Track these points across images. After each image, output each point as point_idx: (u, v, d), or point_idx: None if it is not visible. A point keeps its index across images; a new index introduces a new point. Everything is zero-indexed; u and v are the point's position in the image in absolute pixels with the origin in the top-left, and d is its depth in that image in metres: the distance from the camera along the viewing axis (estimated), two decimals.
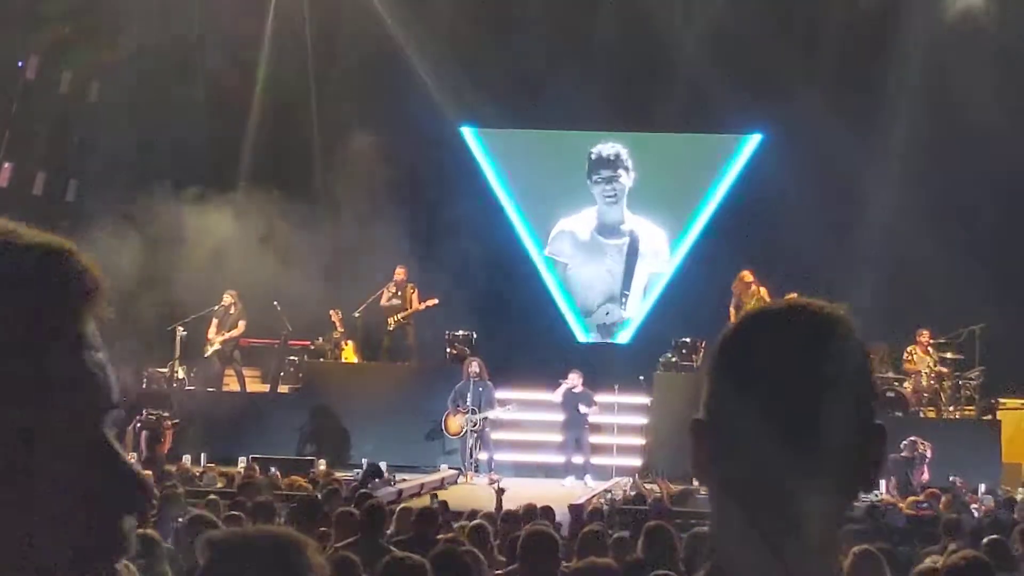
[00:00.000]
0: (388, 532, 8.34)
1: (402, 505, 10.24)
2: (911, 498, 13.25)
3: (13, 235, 1.09)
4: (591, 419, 17.12)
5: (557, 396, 16.94)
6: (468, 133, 21.24)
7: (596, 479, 16.48)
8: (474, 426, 16.58)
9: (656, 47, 19.47)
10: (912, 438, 15.14)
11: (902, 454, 14.99)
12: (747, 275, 17.40)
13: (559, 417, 17.08)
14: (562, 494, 14.06)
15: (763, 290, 17.25)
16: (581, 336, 21.03)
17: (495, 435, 17.10)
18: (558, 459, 17.11)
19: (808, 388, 1.38)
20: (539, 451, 17.61)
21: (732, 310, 17.46)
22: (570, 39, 19.90)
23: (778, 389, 1.38)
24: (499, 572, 6.73)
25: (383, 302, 18.30)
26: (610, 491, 14.85)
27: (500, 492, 11.03)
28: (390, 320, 18.28)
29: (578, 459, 16.85)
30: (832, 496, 1.39)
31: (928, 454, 15.12)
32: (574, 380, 16.91)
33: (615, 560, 6.64)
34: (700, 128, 20.49)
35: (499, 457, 17.10)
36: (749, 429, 1.39)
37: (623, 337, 20.89)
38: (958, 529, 9.03)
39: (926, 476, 15.07)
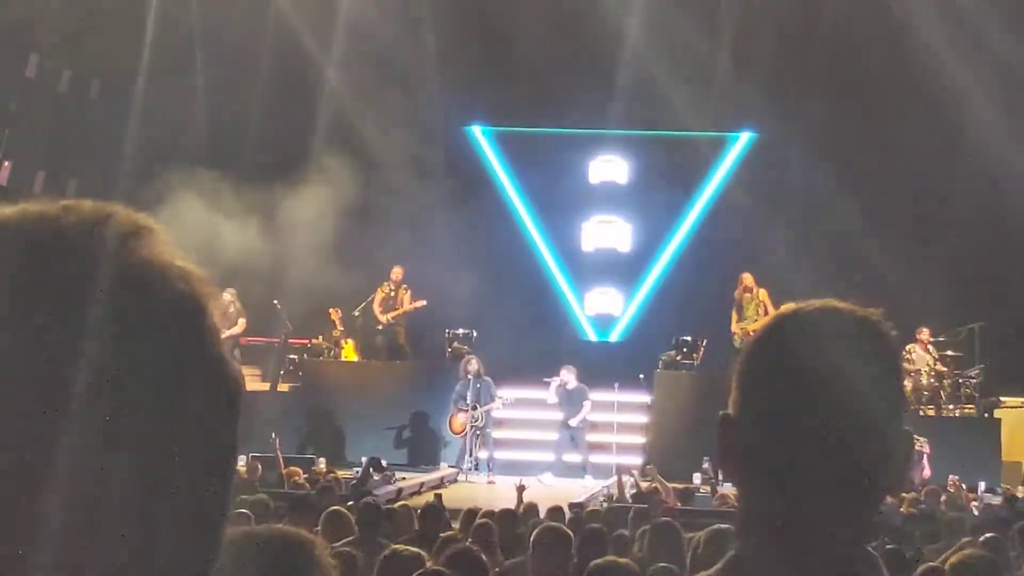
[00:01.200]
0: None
1: (400, 503, 10.23)
2: (911, 495, 13.24)
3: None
4: (589, 416, 17.08)
5: (551, 396, 16.86)
6: (477, 131, 21.25)
7: (597, 477, 16.48)
8: (475, 422, 16.57)
9: (651, 47, 19.49)
10: None
11: None
12: (748, 278, 17.45)
13: (558, 415, 17.04)
14: (561, 493, 14.04)
15: (763, 292, 17.28)
16: (591, 334, 21.01)
17: (495, 434, 17.09)
18: (546, 457, 17.01)
19: (838, 391, 1.39)
20: (541, 449, 17.57)
21: (733, 312, 17.51)
22: (568, 39, 19.90)
23: (808, 391, 1.39)
24: (507, 562, 6.73)
25: (376, 303, 18.30)
26: (610, 489, 14.84)
27: (521, 490, 10.97)
28: (382, 319, 18.30)
29: (576, 457, 16.78)
30: (858, 498, 1.40)
31: (926, 450, 15.13)
32: (566, 377, 16.81)
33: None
34: (695, 126, 20.49)
35: (499, 455, 17.10)
36: (777, 429, 1.40)
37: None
38: (958, 528, 9.02)
39: (928, 472, 15.07)
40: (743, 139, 20.85)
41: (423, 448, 17.32)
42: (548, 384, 16.93)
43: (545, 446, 17.46)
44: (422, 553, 5.33)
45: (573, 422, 16.79)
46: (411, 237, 18.85)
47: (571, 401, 16.80)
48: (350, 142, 19.46)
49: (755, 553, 1.42)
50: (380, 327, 18.34)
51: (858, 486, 1.39)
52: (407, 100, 19.68)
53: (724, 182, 20.80)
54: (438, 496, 10.95)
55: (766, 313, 17.33)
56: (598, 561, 5.16)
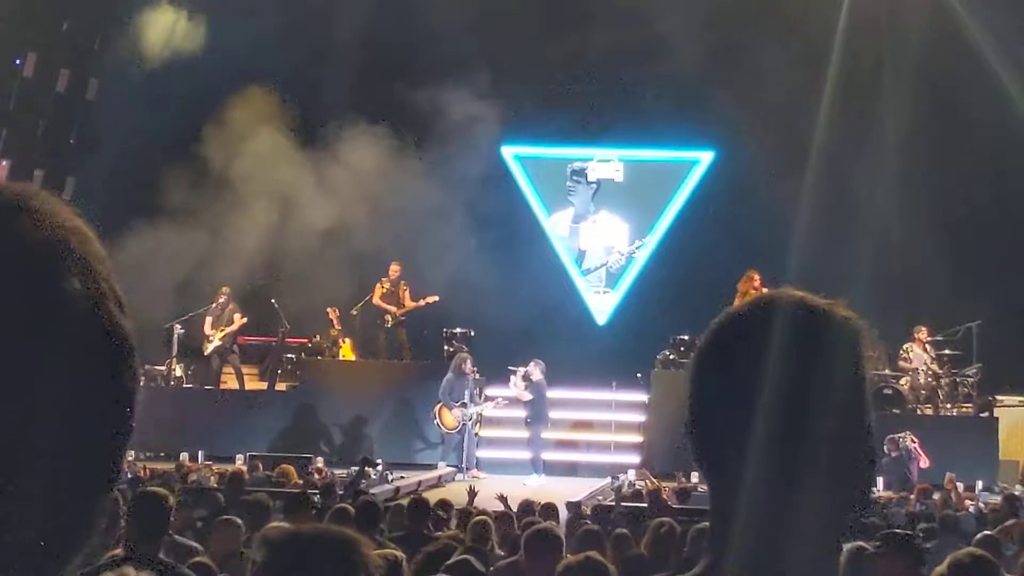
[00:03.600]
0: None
1: (395, 503, 10.25)
2: (904, 494, 13.26)
3: None
4: (584, 416, 17.04)
5: (520, 385, 16.71)
6: (508, 154, 21.36)
7: (553, 475, 16.41)
8: (470, 420, 16.55)
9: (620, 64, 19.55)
10: (890, 436, 15.17)
11: (891, 455, 15.05)
12: (756, 276, 17.41)
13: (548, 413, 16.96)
14: (557, 492, 14.04)
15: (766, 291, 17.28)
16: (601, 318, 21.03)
17: (483, 432, 17.08)
18: (544, 456, 16.99)
19: (795, 384, 1.36)
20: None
21: None
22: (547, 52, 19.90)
23: (765, 385, 1.36)
24: (500, 563, 6.74)
25: (376, 298, 18.28)
26: (609, 488, 14.85)
27: (472, 493, 10.95)
28: (388, 317, 18.27)
29: (528, 454, 16.67)
30: (824, 493, 1.37)
31: (912, 444, 15.16)
32: (531, 369, 16.61)
33: (614, 557, 6.65)
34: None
35: (493, 455, 17.10)
36: (737, 427, 1.37)
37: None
38: (955, 526, 9.04)
39: (925, 463, 15.09)
40: (706, 157, 20.96)
41: (421, 447, 17.32)
42: (514, 373, 16.84)
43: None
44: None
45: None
46: (410, 236, 18.82)
47: (538, 396, 16.68)
48: (351, 138, 19.36)
49: (729, 556, 1.40)
50: (388, 324, 18.31)
51: (819, 481, 1.36)
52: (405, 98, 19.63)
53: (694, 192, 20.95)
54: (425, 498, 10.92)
55: None
56: (569, 559, 5.16)
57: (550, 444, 17.23)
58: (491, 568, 6.50)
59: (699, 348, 1.46)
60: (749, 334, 1.40)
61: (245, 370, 18.89)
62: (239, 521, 7.48)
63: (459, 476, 16.33)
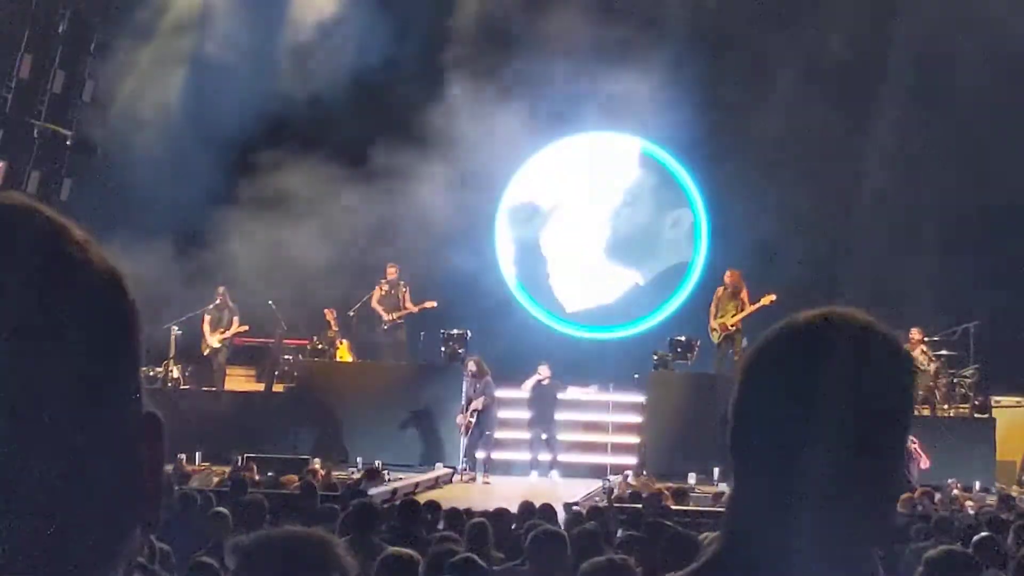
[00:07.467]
0: None
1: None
2: (905, 495, 13.26)
3: None
4: (580, 417, 17.00)
5: (525, 390, 16.80)
6: None
7: (563, 475, 16.45)
8: (466, 421, 16.50)
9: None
10: None
11: None
12: (734, 275, 17.46)
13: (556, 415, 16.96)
14: (555, 493, 14.02)
15: (744, 292, 17.32)
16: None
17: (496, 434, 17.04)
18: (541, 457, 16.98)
19: (838, 399, 1.41)
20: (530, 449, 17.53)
21: (712, 308, 17.52)
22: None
23: (808, 397, 1.41)
24: (502, 567, 6.71)
25: (375, 301, 18.26)
26: (607, 489, 14.83)
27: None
28: (386, 318, 18.25)
29: (545, 456, 16.69)
30: (854, 511, 1.42)
31: (912, 444, 15.16)
32: (544, 372, 16.74)
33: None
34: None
35: (494, 456, 17.07)
36: (780, 436, 1.42)
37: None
38: (950, 527, 9.04)
39: (925, 464, 15.09)
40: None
41: (418, 448, 17.28)
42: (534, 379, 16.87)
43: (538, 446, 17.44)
44: (415, 555, 5.32)
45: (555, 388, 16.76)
46: (408, 234, 18.79)
47: (544, 398, 16.73)
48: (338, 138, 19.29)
49: (741, 554, 1.42)
50: (385, 326, 18.29)
51: (857, 492, 1.41)
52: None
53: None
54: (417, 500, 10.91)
55: (742, 310, 17.31)
56: (595, 560, 5.13)
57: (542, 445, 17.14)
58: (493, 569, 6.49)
59: (758, 348, 1.50)
60: (810, 345, 1.45)
61: (242, 372, 18.86)
62: (226, 511, 7.61)
63: (455, 477, 16.33)
